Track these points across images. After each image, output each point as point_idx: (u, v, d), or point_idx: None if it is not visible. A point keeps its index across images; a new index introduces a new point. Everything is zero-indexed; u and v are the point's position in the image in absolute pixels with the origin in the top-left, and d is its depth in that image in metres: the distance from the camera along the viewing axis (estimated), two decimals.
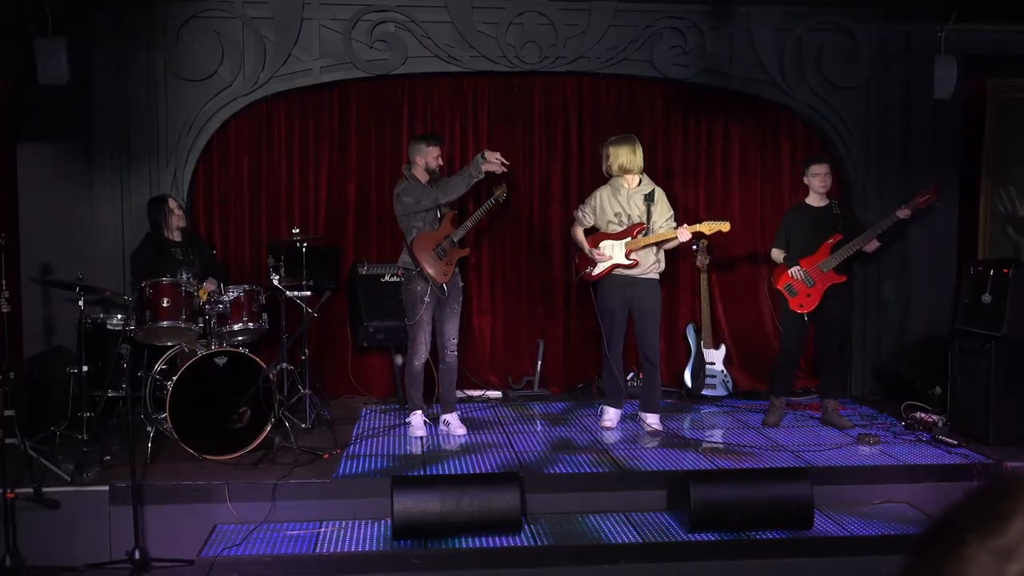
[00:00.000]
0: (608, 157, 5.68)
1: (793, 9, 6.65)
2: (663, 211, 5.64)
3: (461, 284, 5.72)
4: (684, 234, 5.51)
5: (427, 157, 5.60)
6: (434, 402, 6.05)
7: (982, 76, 7.16)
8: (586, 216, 5.78)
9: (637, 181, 5.68)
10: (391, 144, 6.80)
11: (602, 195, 5.73)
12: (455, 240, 5.62)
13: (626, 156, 5.62)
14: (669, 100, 6.97)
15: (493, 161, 5.50)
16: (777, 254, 5.95)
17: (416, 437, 5.62)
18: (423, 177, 5.64)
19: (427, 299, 5.54)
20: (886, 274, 6.90)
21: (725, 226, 5.56)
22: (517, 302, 6.99)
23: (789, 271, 5.77)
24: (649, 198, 5.60)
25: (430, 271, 5.50)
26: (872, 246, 5.80)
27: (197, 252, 5.82)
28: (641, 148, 5.68)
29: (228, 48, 6.31)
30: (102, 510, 4.53)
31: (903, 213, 5.74)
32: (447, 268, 5.55)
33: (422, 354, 5.64)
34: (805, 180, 5.90)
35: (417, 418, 5.73)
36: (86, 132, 6.27)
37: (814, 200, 5.86)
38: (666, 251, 5.74)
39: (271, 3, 6.32)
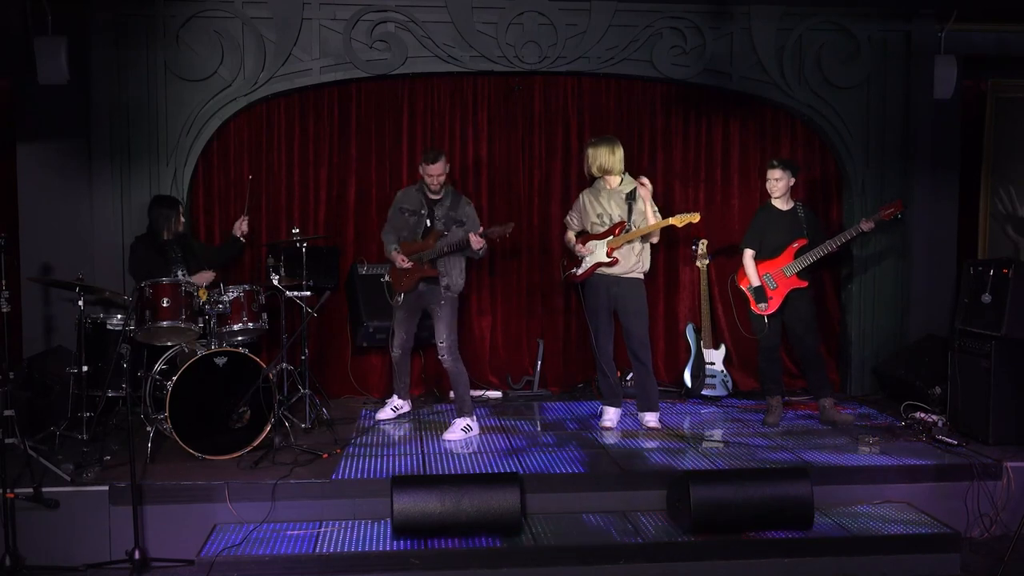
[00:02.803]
0: (587, 159, 5.75)
1: (793, 9, 6.65)
2: (644, 209, 5.64)
3: (441, 288, 5.57)
4: (653, 218, 5.58)
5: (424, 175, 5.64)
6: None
7: (982, 76, 7.17)
8: (573, 220, 5.89)
9: (618, 181, 5.72)
10: (391, 144, 6.80)
11: (585, 198, 5.80)
12: (424, 260, 5.60)
13: (604, 157, 5.67)
14: (669, 100, 6.97)
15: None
16: (749, 254, 5.95)
17: (380, 420, 5.95)
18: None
19: (398, 298, 5.74)
20: (885, 271, 6.91)
21: (695, 217, 5.63)
22: (517, 302, 6.99)
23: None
24: (631, 197, 5.64)
25: (388, 276, 5.83)
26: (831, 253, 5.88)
27: (189, 251, 5.80)
28: (621, 149, 5.71)
29: (228, 48, 6.31)
30: (102, 510, 4.53)
31: (866, 226, 5.80)
32: (406, 281, 5.65)
33: (393, 347, 5.92)
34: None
35: (390, 402, 6.13)
36: (86, 132, 6.27)
37: (780, 203, 5.89)
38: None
39: (271, 3, 6.32)
